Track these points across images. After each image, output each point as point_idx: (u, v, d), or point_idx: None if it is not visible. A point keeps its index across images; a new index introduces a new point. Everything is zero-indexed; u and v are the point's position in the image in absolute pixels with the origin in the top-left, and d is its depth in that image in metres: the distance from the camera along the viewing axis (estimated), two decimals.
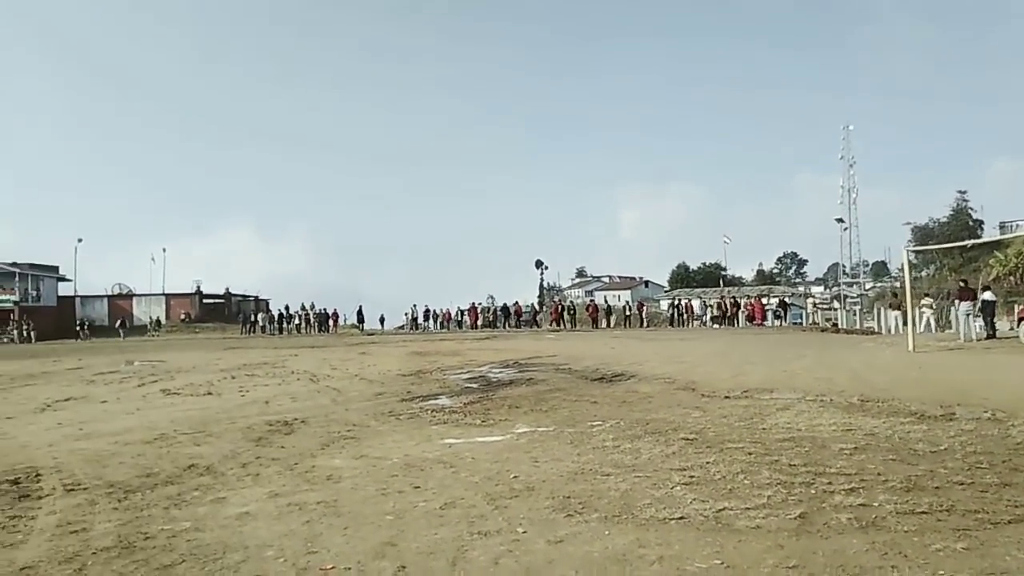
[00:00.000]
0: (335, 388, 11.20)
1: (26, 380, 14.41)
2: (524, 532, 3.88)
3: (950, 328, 23.61)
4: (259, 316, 44.72)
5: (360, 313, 39.31)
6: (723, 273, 71.46)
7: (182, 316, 53.07)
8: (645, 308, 37.12)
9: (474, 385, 11.20)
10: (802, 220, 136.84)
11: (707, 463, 5.27)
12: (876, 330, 29.97)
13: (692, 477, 4.88)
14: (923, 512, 3.96)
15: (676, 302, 36.18)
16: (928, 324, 22.47)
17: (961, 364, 12.45)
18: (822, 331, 29.64)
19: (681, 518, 4.02)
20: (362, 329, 38.72)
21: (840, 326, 32.78)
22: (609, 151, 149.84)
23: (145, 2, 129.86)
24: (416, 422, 7.85)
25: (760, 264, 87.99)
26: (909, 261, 21.55)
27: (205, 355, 21.26)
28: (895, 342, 18.77)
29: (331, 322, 39.75)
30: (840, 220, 51.71)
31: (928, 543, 3.47)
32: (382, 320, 41.90)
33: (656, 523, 3.96)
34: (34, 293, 49.42)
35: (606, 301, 43.24)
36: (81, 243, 53.52)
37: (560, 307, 38.43)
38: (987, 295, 18.62)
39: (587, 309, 37.75)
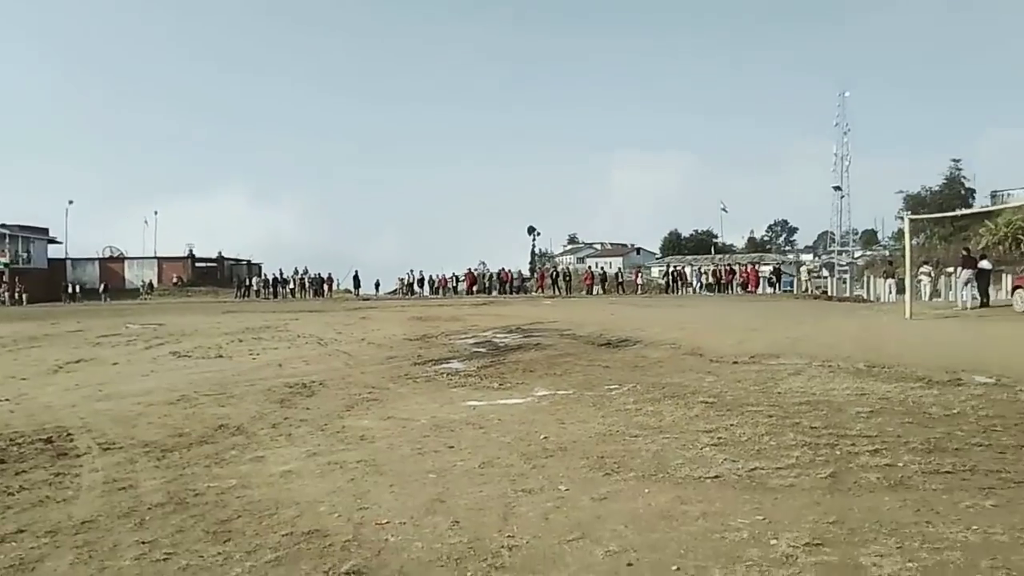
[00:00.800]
0: (345, 352, 11.29)
1: (30, 342, 14.40)
2: (567, 490, 4.02)
3: (938, 296, 23.95)
4: (253, 280, 44.56)
5: (356, 278, 39.26)
6: (715, 241, 71.74)
7: (174, 280, 52.66)
8: (641, 275, 37.34)
9: (482, 350, 11.33)
10: (793, 188, 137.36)
11: (731, 425, 5.42)
12: (866, 298, 30.27)
13: (719, 439, 5.03)
14: (947, 472, 4.13)
15: (672, 269, 36.40)
16: (924, 292, 22.78)
17: (960, 331, 12.68)
18: (815, 298, 29.90)
19: (716, 477, 4.17)
20: (358, 294, 38.71)
21: (830, 294, 33.07)
22: (604, 118, 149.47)
23: None
24: (435, 385, 7.98)
25: (751, 232, 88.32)
26: (902, 229, 21.61)
27: (204, 319, 21.25)
28: (891, 310, 19.04)
29: (326, 287, 39.69)
30: (838, 188, 51.79)
31: (957, 501, 3.63)
32: (377, 285, 41.92)
33: (692, 482, 4.11)
34: (24, 255, 48.94)
35: (601, 268, 43.38)
36: (72, 205, 53.18)
37: (552, 274, 38.63)
38: (984, 263, 18.82)
39: (584, 276, 37.93)
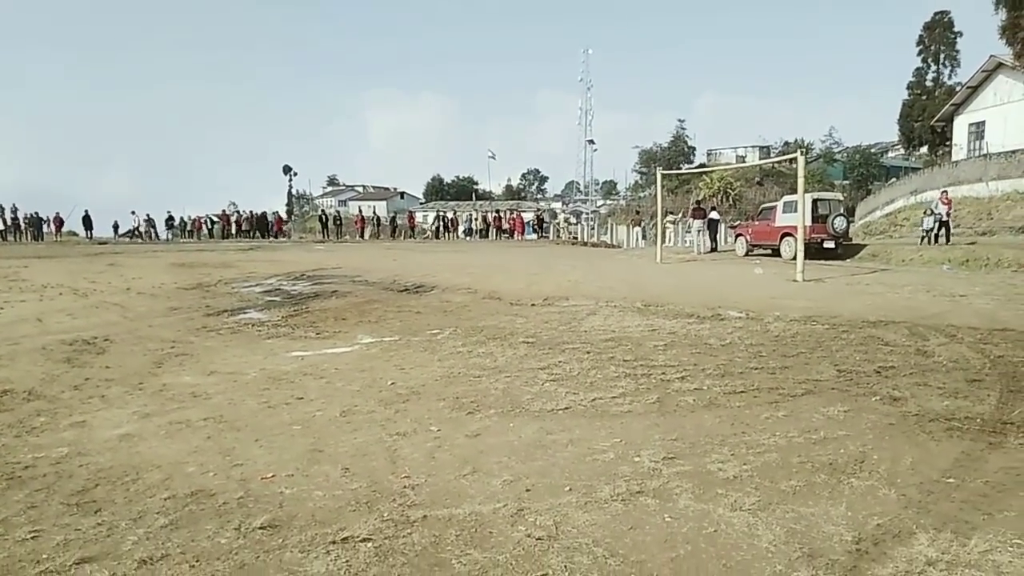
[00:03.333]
0: (115, 303, 10.10)
1: None
2: (439, 430, 4.23)
3: (668, 242, 27.46)
4: None
5: (87, 219, 34.25)
6: (476, 187, 74.03)
7: None
8: (414, 220, 37.50)
9: (276, 298, 10.83)
10: (545, 138, 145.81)
11: (560, 362, 5.97)
12: (610, 243, 33.62)
13: (555, 375, 5.54)
14: (741, 392, 5.02)
15: (443, 215, 37.09)
16: (668, 238, 25.88)
17: (703, 273, 14.80)
18: (571, 244, 32.50)
19: (566, 408, 4.65)
20: (90, 237, 33.97)
21: (581, 240, 36.17)
22: (354, 53, 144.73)
23: None
24: (245, 337, 7.58)
25: (509, 180, 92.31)
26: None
27: None
28: (642, 254, 21.47)
29: (54, 228, 34.22)
30: (591, 142, 55.90)
31: (758, 414, 4.48)
32: (116, 227, 37.10)
33: (548, 414, 4.54)
34: None
35: (373, 211, 42.70)
36: None
37: (321, 217, 37.31)
38: (713, 215, 21.97)
39: (355, 220, 37.09)
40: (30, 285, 12.55)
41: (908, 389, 5.03)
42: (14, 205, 34.61)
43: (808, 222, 16.48)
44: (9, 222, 34.76)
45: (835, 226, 17.60)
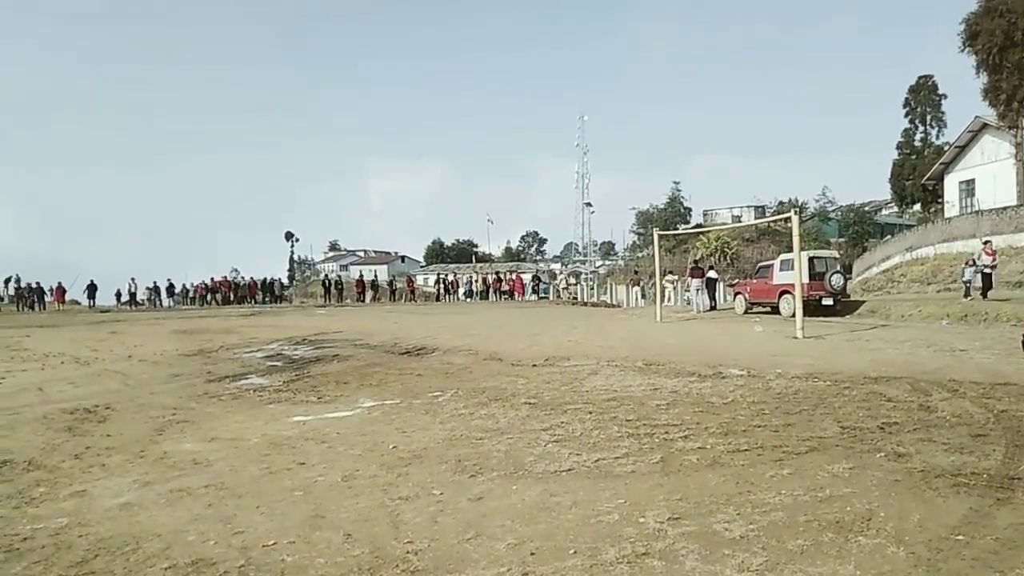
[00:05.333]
0: (117, 371, 10.10)
1: None
2: (441, 494, 4.19)
3: (669, 301, 27.58)
4: None
5: (92, 287, 34.46)
6: (476, 250, 74.81)
7: None
8: (414, 284, 37.74)
9: (278, 363, 10.84)
10: (543, 201, 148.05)
11: (562, 423, 5.95)
12: (610, 303, 33.67)
13: (557, 436, 5.52)
14: (745, 450, 5.00)
15: (443, 277, 37.40)
16: (668, 298, 25.98)
17: (703, 331, 14.82)
18: (572, 304, 32.58)
19: (569, 470, 4.62)
20: (93, 305, 34.08)
21: (581, 300, 36.27)
22: (359, 123, 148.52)
23: None
24: (247, 402, 7.56)
25: (508, 242, 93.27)
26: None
27: None
28: (641, 314, 21.51)
29: (54, 298, 34.34)
30: (589, 204, 56.93)
31: (762, 472, 4.45)
32: (118, 295, 37.14)
33: (551, 475, 4.51)
34: None
35: (374, 275, 43.09)
36: None
37: (324, 281, 37.41)
38: (711, 273, 22.13)
39: (355, 284, 37.36)
40: (32, 354, 12.57)
41: (913, 445, 5.00)
42: (17, 275, 34.89)
43: (806, 279, 16.60)
44: (12, 292, 34.96)
45: (832, 283, 17.71)
